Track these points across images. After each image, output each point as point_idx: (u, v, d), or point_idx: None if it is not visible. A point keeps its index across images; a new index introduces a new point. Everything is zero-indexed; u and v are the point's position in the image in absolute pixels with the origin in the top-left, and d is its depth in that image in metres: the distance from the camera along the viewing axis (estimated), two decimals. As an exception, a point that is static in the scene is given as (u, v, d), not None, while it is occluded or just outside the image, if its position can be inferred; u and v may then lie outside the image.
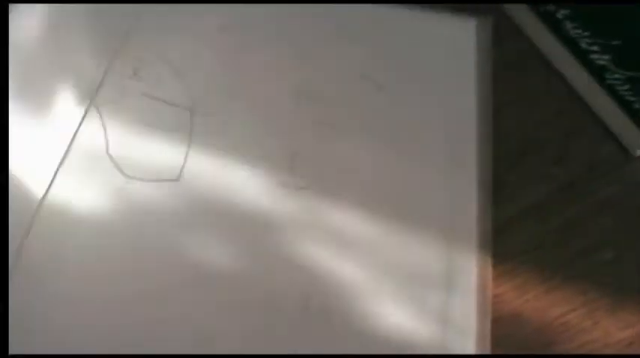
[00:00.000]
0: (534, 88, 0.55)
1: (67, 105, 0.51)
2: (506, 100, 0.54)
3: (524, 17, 0.56)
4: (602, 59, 0.52)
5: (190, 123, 0.49)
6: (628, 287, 0.45)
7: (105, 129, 0.49)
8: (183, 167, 0.48)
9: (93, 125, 0.49)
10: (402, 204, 0.47)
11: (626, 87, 0.50)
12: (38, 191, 0.47)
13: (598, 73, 0.51)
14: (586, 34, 0.53)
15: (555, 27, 0.54)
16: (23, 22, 0.54)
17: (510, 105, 0.54)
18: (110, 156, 0.48)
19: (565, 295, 0.45)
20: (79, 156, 0.47)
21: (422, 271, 0.44)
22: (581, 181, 0.50)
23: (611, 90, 0.50)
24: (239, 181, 0.47)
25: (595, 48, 0.53)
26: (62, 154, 0.48)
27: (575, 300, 0.45)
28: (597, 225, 0.48)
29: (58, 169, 0.47)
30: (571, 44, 0.53)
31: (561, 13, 0.55)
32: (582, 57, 0.52)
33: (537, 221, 0.48)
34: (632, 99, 0.50)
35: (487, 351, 0.42)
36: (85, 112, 0.49)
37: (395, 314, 0.43)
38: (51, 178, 0.47)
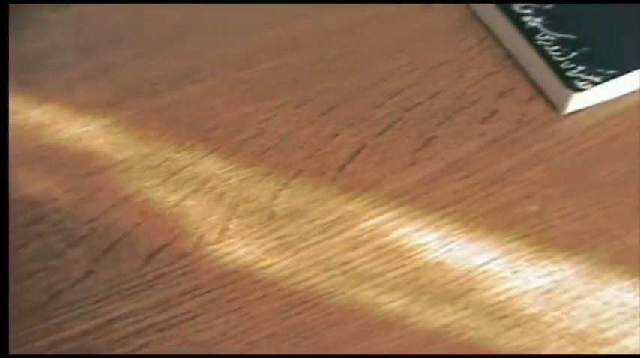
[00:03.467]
0: (468, 49, 0.56)
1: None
2: (440, 60, 0.55)
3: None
4: (533, 22, 0.53)
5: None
6: (549, 239, 0.46)
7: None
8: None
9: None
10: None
11: (555, 48, 0.51)
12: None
13: (529, 35, 0.52)
14: (519, -3, 0.54)
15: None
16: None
17: (444, 65, 0.55)
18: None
19: (487, 245, 0.46)
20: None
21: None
22: (509, 138, 0.51)
23: (541, 51, 0.51)
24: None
25: (528, 11, 0.54)
26: None
27: (496, 250, 0.46)
28: (523, 180, 0.49)
29: None
30: (506, 8, 0.54)
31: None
32: (515, 19, 0.53)
33: (464, 175, 0.49)
34: (561, 59, 0.51)
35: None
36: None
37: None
38: None
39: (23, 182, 0.50)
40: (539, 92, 0.53)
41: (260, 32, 0.58)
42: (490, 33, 0.56)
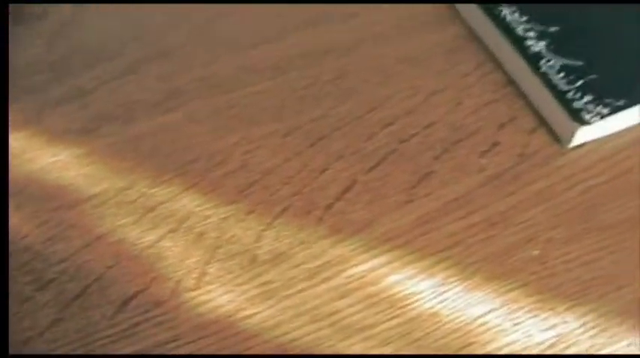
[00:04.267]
0: (466, 74, 0.52)
1: None
2: (437, 86, 0.51)
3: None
4: (537, 46, 0.49)
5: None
6: (552, 287, 0.43)
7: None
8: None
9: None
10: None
11: (561, 75, 0.48)
12: None
13: (533, 60, 0.49)
14: (523, 19, 0.51)
15: (492, 12, 0.51)
16: None
17: (442, 91, 0.51)
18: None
19: (485, 295, 0.43)
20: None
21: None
22: (510, 173, 0.47)
23: (546, 79, 0.48)
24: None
25: (531, 34, 0.50)
26: None
27: (495, 300, 0.43)
28: (524, 221, 0.46)
29: None
30: (507, 29, 0.50)
31: (499, -3, 0.52)
32: (518, 43, 0.50)
33: (462, 215, 0.46)
34: (566, 88, 0.47)
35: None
36: None
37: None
38: None
39: (-11, 217, 0.47)
40: (542, 122, 0.49)
41: (252, 49, 0.55)
42: (489, 56, 0.53)
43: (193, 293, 0.43)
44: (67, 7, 0.57)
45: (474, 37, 0.54)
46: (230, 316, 0.42)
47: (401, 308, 0.42)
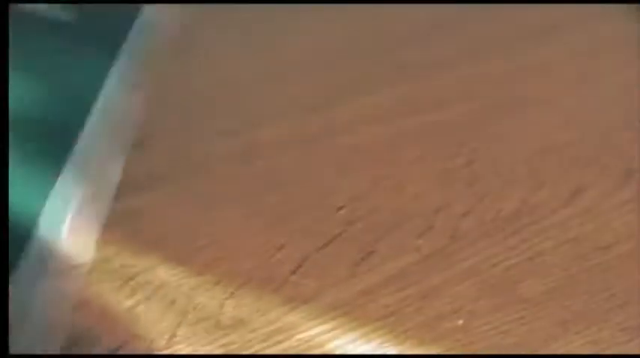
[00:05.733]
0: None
1: None
2: (381, 175, 0.59)
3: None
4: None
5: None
6: (473, 351, 0.50)
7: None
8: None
9: None
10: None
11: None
12: None
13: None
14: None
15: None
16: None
17: (386, 179, 0.59)
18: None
19: (415, 358, 0.50)
20: None
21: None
22: (444, 252, 0.55)
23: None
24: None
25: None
26: None
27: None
28: (453, 294, 0.53)
29: None
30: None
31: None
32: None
33: (398, 289, 0.53)
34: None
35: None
36: None
37: None
38: None
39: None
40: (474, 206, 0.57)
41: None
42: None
43: (165, 352, 0.50)
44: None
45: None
46: (194, 374, 0.49)
47: (341, 368, 0.49)
